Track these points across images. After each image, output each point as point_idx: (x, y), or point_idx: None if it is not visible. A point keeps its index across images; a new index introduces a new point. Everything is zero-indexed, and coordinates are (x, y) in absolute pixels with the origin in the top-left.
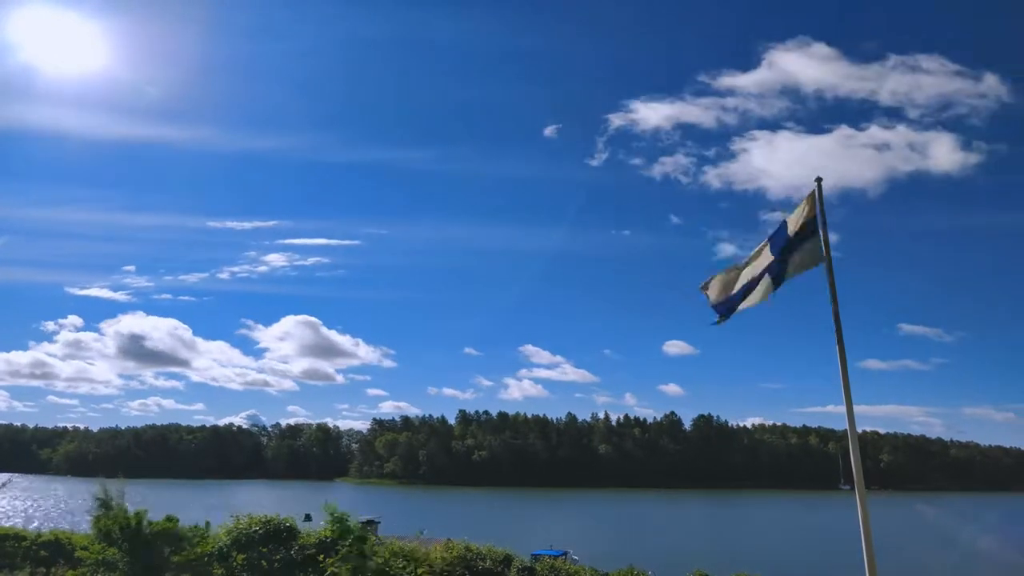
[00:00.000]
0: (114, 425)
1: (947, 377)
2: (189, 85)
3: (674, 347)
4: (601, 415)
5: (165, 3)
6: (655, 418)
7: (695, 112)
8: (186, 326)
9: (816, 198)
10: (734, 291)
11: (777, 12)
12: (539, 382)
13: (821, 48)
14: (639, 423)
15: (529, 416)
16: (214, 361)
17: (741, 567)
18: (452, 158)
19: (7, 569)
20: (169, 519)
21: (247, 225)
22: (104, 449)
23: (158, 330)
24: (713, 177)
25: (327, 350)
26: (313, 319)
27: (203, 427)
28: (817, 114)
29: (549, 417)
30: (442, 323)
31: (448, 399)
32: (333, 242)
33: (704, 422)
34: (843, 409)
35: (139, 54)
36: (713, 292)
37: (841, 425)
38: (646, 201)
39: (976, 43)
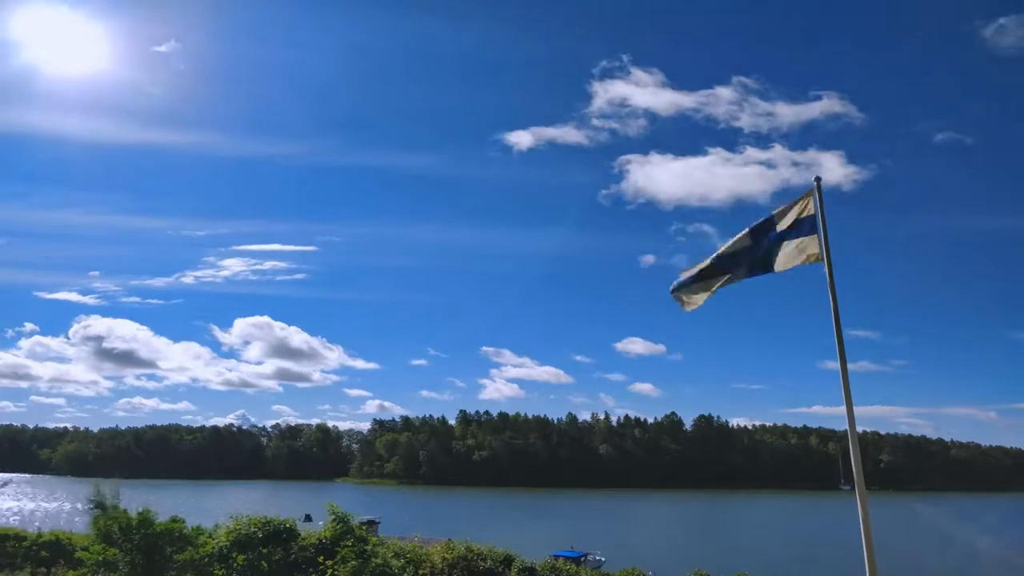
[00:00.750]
0: (101, 426)
1: (911, 378)
2: (189, 87)
3: (636, 345)
4: (601, 415)
5: (169, 4)
6: (655, 418)
7: (572, 136)
8: (152, 329)
9: (815, 197)
10: (699, 269)
11: (605, 43)
12: (513, 382)
13: (657, 76)
14: (639, 423)
15: (530, 416)
16: (190, 363)
17: (742, 567)
18: (415, 163)
19: (8, 569)
20: (174, 519)
21: (216, 229)
22: (104, 449)
23: (130, 332)
24: (603, 198)
25: (297, 352)
26: (280, 323)
27: (203, 427)
28: (678, 138)
29: (550, 417)
30: (400, 325)
31: (426, 400)
32: (288, 247)
33: (704, 422)
34: (824, 410)
35: (142, 55)
36: (686, 273)
37: (821, 423)
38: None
39: (794, 66)
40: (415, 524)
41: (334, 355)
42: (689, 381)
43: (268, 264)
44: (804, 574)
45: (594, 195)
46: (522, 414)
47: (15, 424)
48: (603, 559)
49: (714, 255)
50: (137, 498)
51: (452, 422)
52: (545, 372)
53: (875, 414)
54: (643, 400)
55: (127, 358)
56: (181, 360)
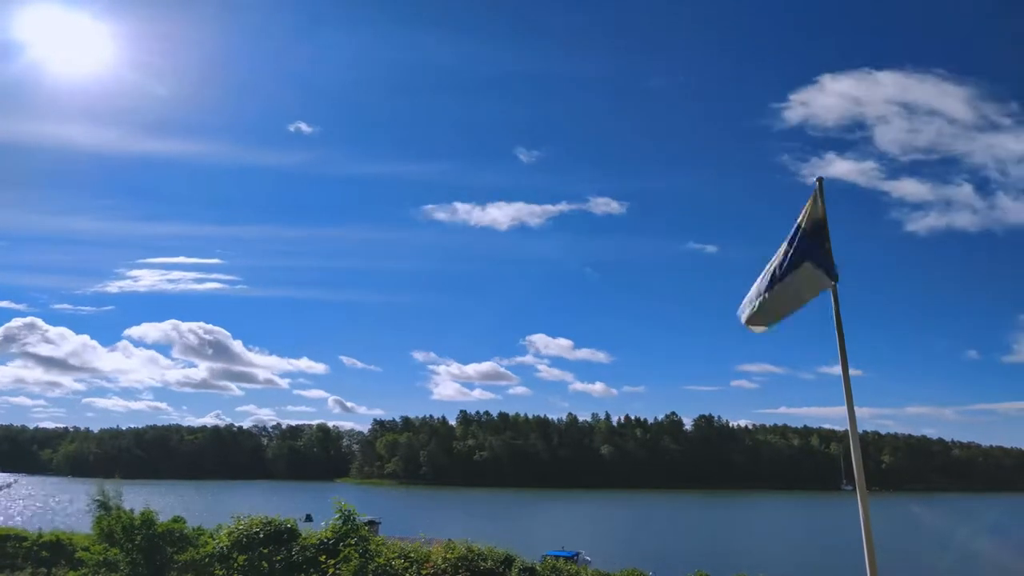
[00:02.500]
0: (77, 424)
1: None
2: (194, 89)
3: (542, 341)
4: (602, 415)
5: (175, 3)
6: (656, 418)
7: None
8: (88, 335)
9: (818, 198)
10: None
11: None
12: (454, 381)
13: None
14: (640, 423)
15: (530, 416)
16: (133, 366)
17: (742, 567)
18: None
19: (8, 570)
20: (176, 520)
21: (140, 235)
22: (105, 449)
23: (62, 336)
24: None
25: (234, 355)
26: (210, 326)
27: (203, 428)
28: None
29: (550, 417)
30: (320, 328)
31: (380, 400)
32: (192, 260)
33: (705, 422)
34: (787, 411)
35: (146, 54)
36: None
37: (770, 421)
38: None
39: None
40: (416, 525)
41: (269, 359)
42: (625, 382)
43: (178, 273)
44: (805, 574)
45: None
46: (522, 414)
47: (15, 424)
48: (589, 559)
49: (769, 273)
50: (138, 499)
51: (452, 422)
52: (473, 371)
53: (841, 414)
54: (589, 399)
55: (65, 364)
56: (119, 364)
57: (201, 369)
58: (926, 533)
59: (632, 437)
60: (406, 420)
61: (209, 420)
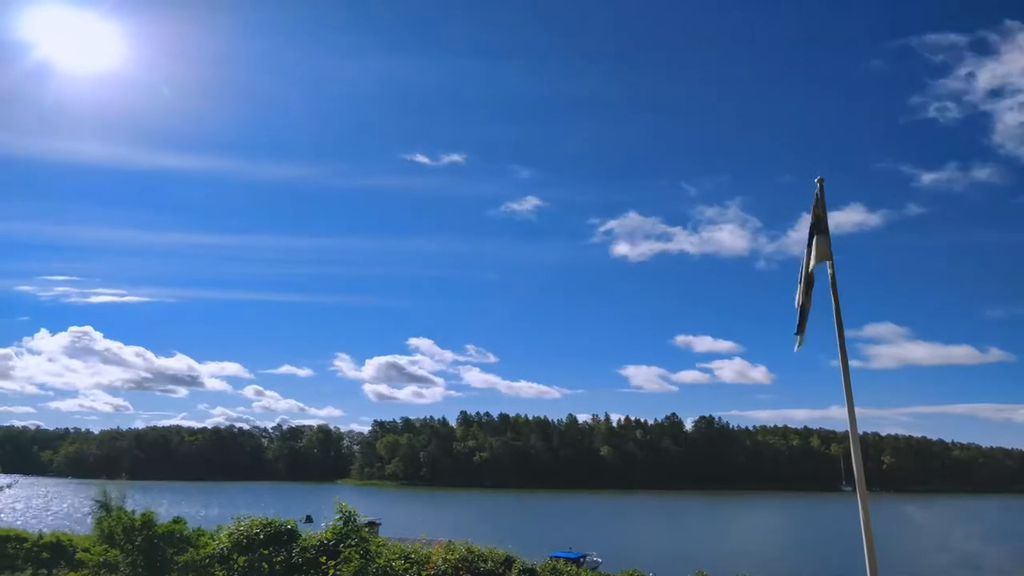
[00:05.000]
0: (51, 422)
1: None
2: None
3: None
4: (601, 416)
5: (182, 3)
6: (655, 419)
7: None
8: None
9: (818, 197)
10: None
11: None
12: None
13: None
14: (640, 424)
15: (530, 418)
16: (67, 371)
17: (743, 568)
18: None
19: (9, 570)
20: (176, 520)
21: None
22: (105, 451)
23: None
24: None
25: (168, 361)
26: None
27: (204, 429)
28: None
29: (550, 419)
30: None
31: (327, 400)
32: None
33: (705, 423)
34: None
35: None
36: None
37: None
38: None
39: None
40: (416, 526)
41: (188, 361)
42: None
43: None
44: (805, 574)
45: None
46: (522, 415)
47: (16, 425)
48: (599, 560)
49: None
50: (139, 499)
51: (452, 423)
52: (371, 371)
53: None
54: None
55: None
56: (49, 368)
57: (132, 371)
58: (924, 534)
59: (632, 438)
60: (406, 421)
61: (178, 422)
